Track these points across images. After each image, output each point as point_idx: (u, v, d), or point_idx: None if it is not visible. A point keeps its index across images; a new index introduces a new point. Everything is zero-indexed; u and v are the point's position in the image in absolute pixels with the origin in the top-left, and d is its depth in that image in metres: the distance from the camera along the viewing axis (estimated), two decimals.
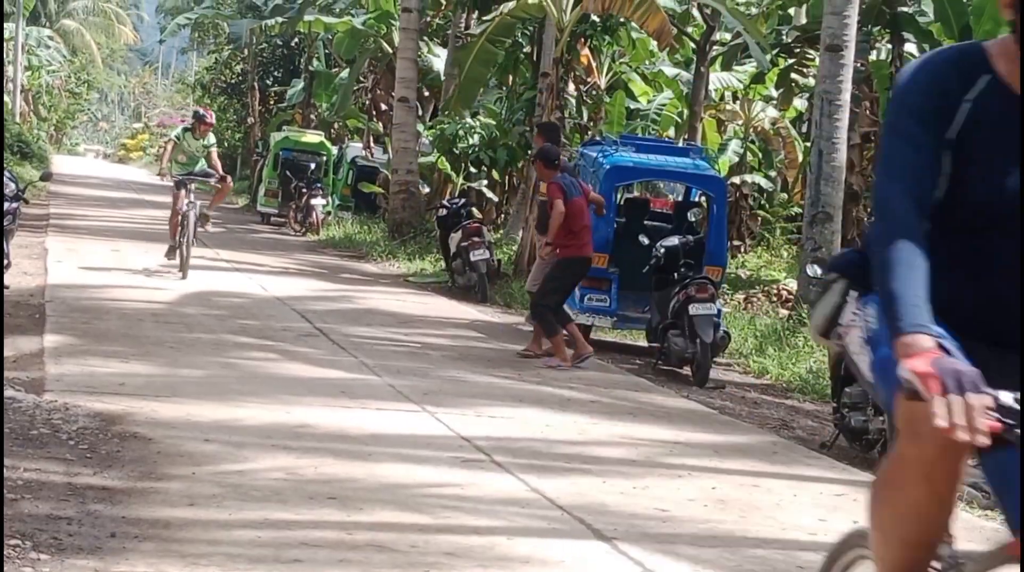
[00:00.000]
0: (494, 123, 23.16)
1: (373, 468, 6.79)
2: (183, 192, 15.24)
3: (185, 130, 15.75)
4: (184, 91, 71.20)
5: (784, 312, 15.12)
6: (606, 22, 20.61)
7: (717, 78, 24.40)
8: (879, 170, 2.94)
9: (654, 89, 26.11)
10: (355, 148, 30.71)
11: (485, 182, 23.97)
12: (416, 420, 8.28)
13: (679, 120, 25.46)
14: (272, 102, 43.87)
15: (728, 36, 23.20)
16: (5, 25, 42.48)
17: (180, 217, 15.09)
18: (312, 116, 37.27)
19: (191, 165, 15.62)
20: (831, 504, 7.20)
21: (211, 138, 15.79)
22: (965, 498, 7.64)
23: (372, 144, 30.13)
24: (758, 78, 23.11)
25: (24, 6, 50.52)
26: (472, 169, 23.25)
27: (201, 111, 16.13)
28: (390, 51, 27.97)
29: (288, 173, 28.00)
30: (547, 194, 11.39)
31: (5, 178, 12.49)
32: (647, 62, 25.55)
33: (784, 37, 21.80)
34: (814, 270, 10.90)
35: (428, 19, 27.92)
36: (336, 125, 36.59)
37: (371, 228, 24.88)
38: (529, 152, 19.66)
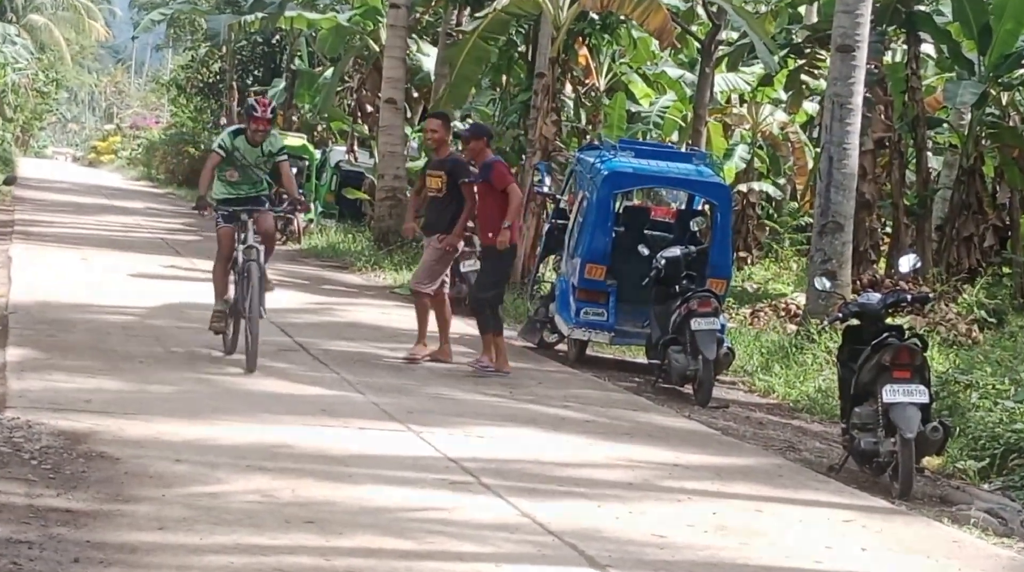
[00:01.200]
0: None
1: (354, 490, 6.81)
2: (235, 229, 10.70)
3: (235, 133, 10.95)
4: (159, 91, 71.26)
5: (792, 328, 15.15)
6: (605, 20, 20.66)
7: (723, 80, 24.46)
8: None
9: (656, 91, 26.17)
10: (339, 152, 30.72)
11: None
12: (400, 440, 8.30)
13: (682, 124, 25.51)
14: None
15: (735, 35, 23.26)
16: None
17: (235, 271, 10.69)
18: (294, 118, 37.31)
19: (245, 187, 10.96)
20: (838, 530, 7.22)
21: (276, 140, 11.06)
22: (980, 524, 7.67)
23: (357, 148, 30.13)
24: (766, 80, 23.17)
25: None
26: None
27: (252, 101, 11.08)
28: (377, 49, 28.00)
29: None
30: (496, 177, 11.40)
31: None
32: (649, 63, 25.61)
33: (794, 36, 21.87)
34: (823, 283, 10.95)
35: (417, 15, 27.97)
36: (319, 127, 36.62)
37: (355, 237, 24.90)
38: (523, 156, 19.70)
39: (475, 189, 11.68)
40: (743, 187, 24.58)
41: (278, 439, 7.85)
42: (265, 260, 10.67)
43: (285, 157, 11.04)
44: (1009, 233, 19.62)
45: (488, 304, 11.56)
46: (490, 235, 11.49)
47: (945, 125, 21.42)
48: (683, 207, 14.92)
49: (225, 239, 10.80)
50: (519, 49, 22.52)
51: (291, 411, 8.77)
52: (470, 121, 23.41)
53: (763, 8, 24.32)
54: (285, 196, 11.56)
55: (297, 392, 9.63)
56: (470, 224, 18.17)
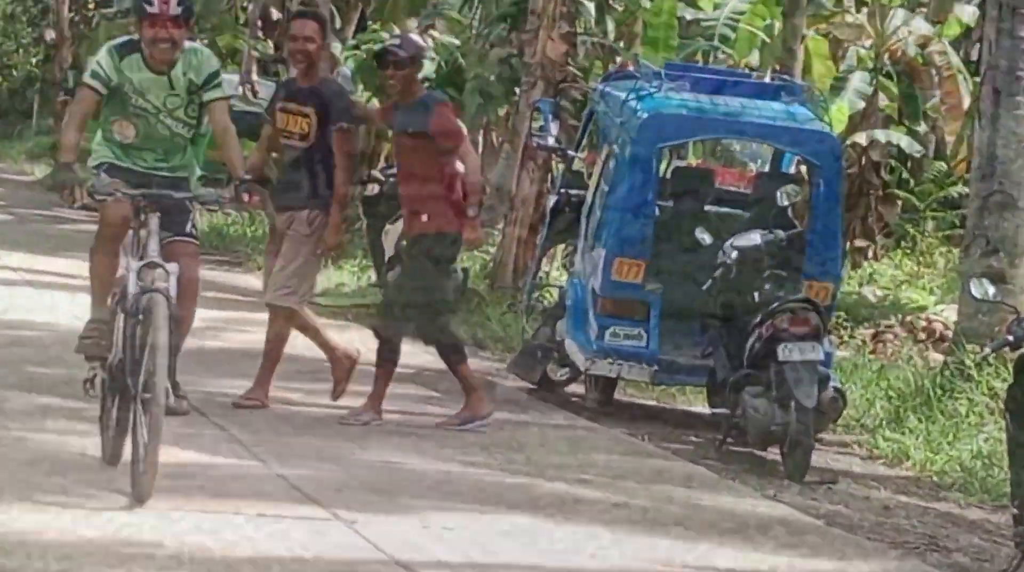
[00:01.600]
0: (458, 43, 23.24)
1: None
2: (127, 219, 9.25)
3: (122, 50, 9.57)
4: None
5: (937, 358, 15.19)
6: None
7: None
8: None
9: None
10: (230, 82, 30.77)
11: None
12: (323, 533, 8.31)
13: (766, 39, 25.57)
14: (92, 7, 43.89)
15: None
16: None
17: (122, 308, 8.96)
18: None
19: (149, 156, 9.76)
20: None
21: (202, 59, 9.74)
22: None
23: (257, 76, 30.20)
24: None
25: None
26: None
27: None
28: None
29: None
30: (438, 128, 11.24)
31: None
32: None
33: None
34: (984, 289, 10.93)
35: None
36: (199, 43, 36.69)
37: (255, 217, 24.91)
38: (517, 89, 19.74)
39: (397, 143, 11.66)
40: (861, 138, 24.63)
41: (135, 533, 7.86)
42: (184, 331, 9.74)
43: (220, 92, 9.72)
44: None
45: (439, 321, 11.55)
46: (424, 218, 11.37)
47: None
48: (766, 170, 14.97)
49: (113, 213, 9.44)
50: None
51: (154, 488, 8.77)
52: (434, 35, 23.47)
53: None
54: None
55: (163, 459, 9.62)
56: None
